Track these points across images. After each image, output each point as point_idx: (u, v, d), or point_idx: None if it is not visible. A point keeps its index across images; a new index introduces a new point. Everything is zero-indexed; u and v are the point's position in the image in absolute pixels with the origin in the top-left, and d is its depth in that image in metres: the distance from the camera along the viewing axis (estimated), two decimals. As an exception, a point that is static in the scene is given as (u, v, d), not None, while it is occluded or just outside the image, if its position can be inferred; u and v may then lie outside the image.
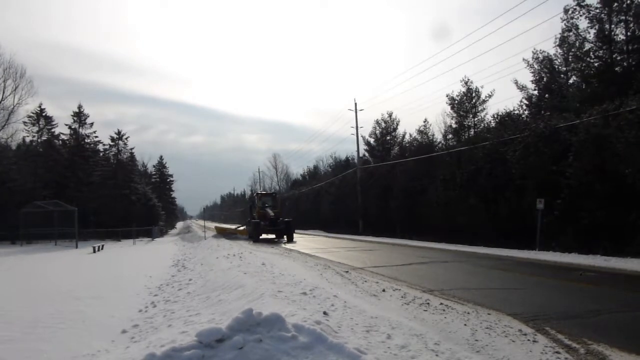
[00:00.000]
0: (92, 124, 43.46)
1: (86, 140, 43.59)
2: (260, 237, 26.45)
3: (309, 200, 51.28)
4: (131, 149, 46.83)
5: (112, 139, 44.61)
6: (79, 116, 42.76)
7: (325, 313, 5.56)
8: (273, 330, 3.96)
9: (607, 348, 4.87)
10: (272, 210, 27.78)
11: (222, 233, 32.61)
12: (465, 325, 5.91)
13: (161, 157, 65.71)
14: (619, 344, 4.98)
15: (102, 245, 25.86)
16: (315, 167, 65.13)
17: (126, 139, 45.28)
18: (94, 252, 22.89)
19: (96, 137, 44.15)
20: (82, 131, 43.19)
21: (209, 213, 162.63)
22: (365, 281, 9.76)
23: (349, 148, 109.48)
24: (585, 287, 9.14)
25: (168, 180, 65.54)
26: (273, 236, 27.58)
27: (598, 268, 11.70)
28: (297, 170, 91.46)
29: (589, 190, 15.74)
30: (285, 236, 26.68)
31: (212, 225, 55.82)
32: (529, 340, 5.23)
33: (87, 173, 40.93)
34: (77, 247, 27.35)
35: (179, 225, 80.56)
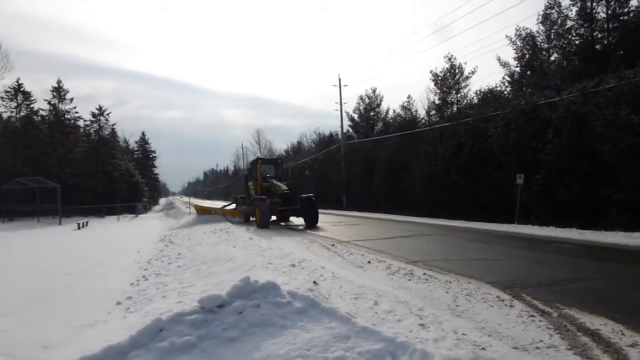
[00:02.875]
0: (72, 99, 42.73)
1: (66, 116, 42.85)
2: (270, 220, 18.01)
3: (293, 175, 51.28)
4: (113, 124, 46.33)
5: (94, 115, 44.00)
6: (59, 91, 41.95)
7: (315, 283, 5.82)
8: (269, 296, 4.21)
9: (577, 312, 5.23)
10: (281, 182, 19.53)
11: (204, 213, 22.01)
12: (447, 292, 6.25)
13: (143, 133, 65.03)
14: (589, 308, 5.34)
15: (87, 222, 25.83)
16: (299, 143, 65.13)
17: (108, 114, 44.74)
18: (79, 228, 22.89)
19: (76, 112, 43.45)
20: (62, 107, 42.45)
21: (192, 189, 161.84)
22: (351, 254, 10.06)
23: (333, 124, 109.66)
24: (560, 258, 9.56)
25: (151, 156, 64.99)
26: (275, 218, 19.61)
27: (573, 240, 12.18)
28: (281, 146, 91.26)
29: (567, 166, 16.18)
30: (303, 218, 18.47)
31: (198, 202, 55.53)
32: (506, 305, 5.58)
33: (68, 149, 40.39)
34: (60, 224, 27.23)
35: (162, 201, 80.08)
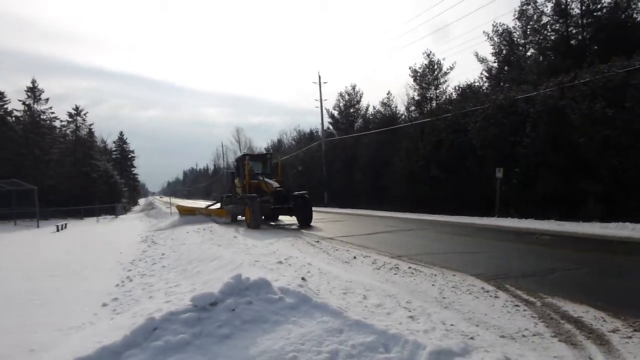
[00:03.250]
0: (47, 99, 41.89)
1: (42, 117, 42.01)
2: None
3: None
4: (90, 125, 45.59)
5: (70, 115, 43.23)
6: (33, 91, 41.11)
7: (303, 279, 5.87)
8: (261, 293, 4.24)
9: (560, 300, 5.37)
10: (270, 179, 18.41)
11: (188, 214, 20.30)
12: (433, 285, 6.35)
13: (121, 132, 64.13)
14: (571, 297, 5.49)
15: (65, 224, 25.41)
16: (279, 141, 64.97)
17: (85, 114, 44.01)
18: (58, 230, 22.50)
19: (52, 113, 42.64)
20: (38, 107, 41.60)
21: (172, 189, 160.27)
22: (336, 250, 10.13)
23: (313, 121, 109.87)
24: (541, 249, 9.77)
25: (129, 156, 64.15)
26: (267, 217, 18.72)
27: (552, 232, 12.45)
28: (261, 143, 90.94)
29: (544, 159, 16.51)
30: (295, 217, 17.44)
31: (178, 202, 54.96)
32: (491, 296, 5.70)
33: (44, 150, 39.61)
34: (38, 226, 26.74)
35: (142, 201, 79.28)
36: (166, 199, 74.19)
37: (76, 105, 44.25)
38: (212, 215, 20.05)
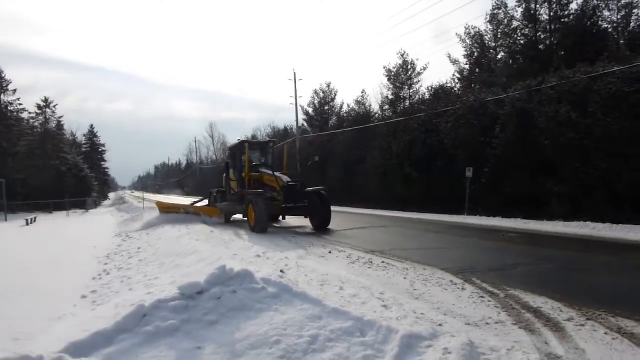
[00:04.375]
0: (15, 90, 40.89)
1: (9, 108, 40.99)
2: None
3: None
4: (59, 117, 44.71)
5: (39, 107, 42.34)
6: (0, 82, 40.09)
7: (281, 271, 6.11)
8: (244, 283, 4.48)
9: (521, 292, 5.78)
10: (276, 172, 14.71)
11: (170, 212, 16.82)
12: (404, 278, 6.70)
13: (91, 125, 62.95)
14: (531, 289, 5.90)
15: (35, 218, 24.96)
16: (253, 137, 64.83)
17: (54, 106, 43.14)
18: (27, 224, 22.12)
19: (20, 104, 41.65)
20: (4, 98, 40.56)
21: (142, 183, 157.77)
22: (312, 245, 10.42)
23: (288, 117, 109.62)
24: (506, 245, 10.27)
25: (100, 149, 63.06)
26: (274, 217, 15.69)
27: (518, 229, 13.02)
28: (235, 139, 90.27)
29: (512, 159, 17.11)
30: (309, 218, 14.56)
31: (152, 197, 54.18)
32: (458, 288, 6.08)
33: (11, 143, 38.68)
34: (6, 219, 26.20)
35: (112, 196, 77.98)
36: (138, 193, 73.10)
37: (45, 97, 43.41)
38: (201, 214, 16.41)
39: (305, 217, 14.64)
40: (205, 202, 19.64)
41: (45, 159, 39.31)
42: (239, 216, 16.10)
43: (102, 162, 64.37)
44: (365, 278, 6.61)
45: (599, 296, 5.53)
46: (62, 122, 45.77)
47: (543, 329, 4.37)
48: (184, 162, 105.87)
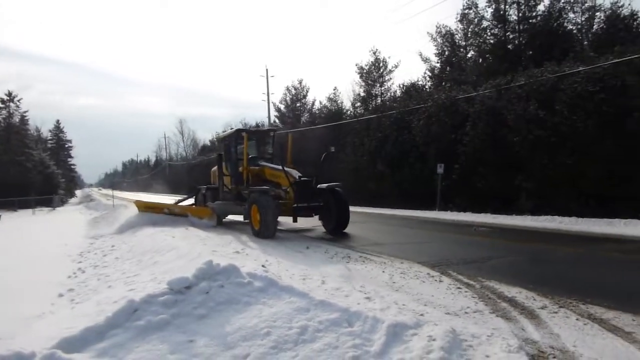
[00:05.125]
0: (-24, 84, 39.56)
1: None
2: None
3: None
4: (24, 112, 43.40)
5: (2, 101, 41.05)
6: (-39, 75, 38.71)
7: (263, 266, 6.19)
8: (231, 278, 4.55)
9: (496, 283, 6.01)
10: (274, 164, 13.07)
11: (151, 211, 14.43)
12: (383, 272, 6.87)
13: (58, 121, 61.52)
14: (506, 280, 6.15)
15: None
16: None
17: (18, 101, 41.87)
18: (-8, 222, 21.53)
19: (-19, 99, 40.34)
20: (-35, 92, 39.20)
21: (110, 181, 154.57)
22: (289, 240, 10.50)
23: (259, 114, 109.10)
24: (478, 239, 10.58)
25: (66, 146, 61.57)
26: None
27: (489, 224, 13.40)
28: (205, 135, 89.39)
29: (482, 156, 17.56)
30: (322, 220, 12.48)
31: (120, 195, 53.08)
32: (436, 280, 6.28)
33: (-27, 138, 37.52)
34: (-32, 218, 25.40)
35: (79, 193, 76.18)
36: (106, 191, 71.50)
37: (9, 91, 42.18)
38: (188, 215, 13.96)
39: (320, 219, 12.46)
40: (191, 201, 17.28)
41: (10, 154, 38.16)
42: (232, 217, 14.68)
43: (69, 159, 62.95)
44: (345, 272, 6.75)
45: (569, 286, 5.80)
46: (26, 117, 44.48)
47: (519, 317, 4.59)
48: (153, 159, 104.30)
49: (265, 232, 10.77)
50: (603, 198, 13.81)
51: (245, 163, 13.02)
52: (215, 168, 15.75)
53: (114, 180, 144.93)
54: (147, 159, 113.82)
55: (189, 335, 3.70)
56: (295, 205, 11.42)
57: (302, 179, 11.74)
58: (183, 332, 3.74)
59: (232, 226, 13.76)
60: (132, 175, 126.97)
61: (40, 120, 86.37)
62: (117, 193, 54.23)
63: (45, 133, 59.06)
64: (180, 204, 16.39)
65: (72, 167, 64.37)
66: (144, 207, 14.64)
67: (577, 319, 4.50)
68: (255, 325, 3.85)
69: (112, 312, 3.85)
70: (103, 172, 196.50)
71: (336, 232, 11.83)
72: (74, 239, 13.41)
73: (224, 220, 14.81)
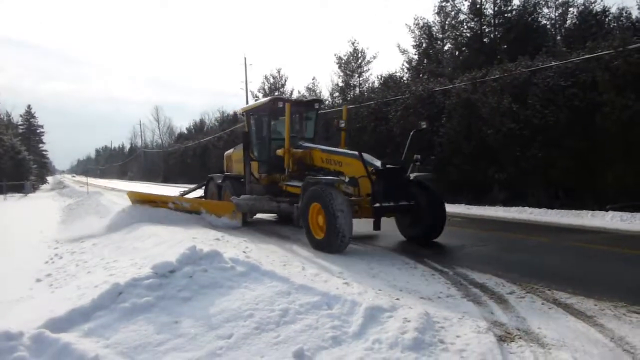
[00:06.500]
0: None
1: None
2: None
3: (196, 154, 50.49)
4: (-6, 96, 42.22)
5: (-30, 84, 39.77)
6: None
7: (244, 252, 6.33)
8: (214, 262, 4.69)
9: (468, 270, 6.27)
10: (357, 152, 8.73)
11: (148, 205, 11.03)
12: (361, 260, 7.07)
13: (29, 106, 59.88)
14: (477, 267, 6.42)
15: (-31, 202, 23.76)
16: (202, 121, 63.85)
17: (-12, 84, 40.66)
18: (-38, 209, 21.06)
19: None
20: None
21: (83, 167, 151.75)
22: (267, 229, 10.64)
23: (237, 103, 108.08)
24: (452, 229, 10.81)
25: (38, 131, 60.12)
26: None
27: (462, 214, 13.76)
28: (181, 123, 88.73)
29: (457, 148, 17.90)
30: (408, 224, 9.01)
31: (94, 182, 52.15)
32: (411, 267, 6.52)
33: (-60, 122, 36.36)
34: (-63, 204, 24.76)
35: (51, 180, 74.64)
36: (80, 177, 70.12)
37: (-22, 74, 40.77)
38: (204, 212, 10.93)
39: (412, 223, 8.85)
40: (200, 192, 14.08)
41: (-21, 140, 37.21)
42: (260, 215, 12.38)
43: (41, 145, 61.48)
44: (324, 259, 6.93)
45: (536, 273, 6.09)
46: (-4, 102, 43.29)
47: (489, 301, 4.84)
48: (128, 146, 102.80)
49: (337, 242, 7.40)
50: (572, 190, 14.29)
51: (287, 144, 10.13)
52: (231, 151, 13.24)
53: (87, 167, 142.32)
54: (121, 146, 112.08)
55: (174, 316, 3.83)
56: (378, 204, 7.89)
57: (387, 167, 8.51)
58: (168, 313, 3.87)
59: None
60: (106, 162, 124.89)
61: (11, 105, 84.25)
62: (91, 180, 53.40)
63: (16, 118, 57.62)
64: (187, 196, 13.48)
65: (44, 153, 62.84)
66: (140, 199, 11.39)
67: (542, 304, 4.77)
68: (239, 307, 4.00)
69: (97, 294, 3.95)
70: (76, 158, 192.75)
71: (427, 238, 8.67)
72: (49, 226, 13.28)
73: (250, 219, 11.86)
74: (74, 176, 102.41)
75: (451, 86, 19.23)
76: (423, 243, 8.56)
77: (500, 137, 16.08)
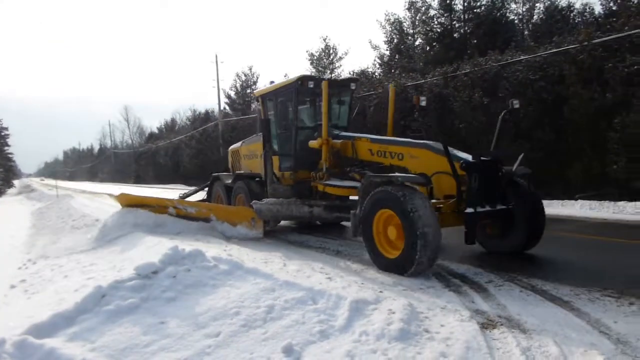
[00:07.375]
0: None
1: None
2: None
3: (168, 154, 49.86)
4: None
5: None
6: None
7: (225, 250, 6.31)
8: (197, 262, 4.67)
9: (448, 262, 6.44)
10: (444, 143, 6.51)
11: (143, 209, 9.07)
12: (339, 258, 7.15)
13: (-9, 108, 57.97)
14: (456, 259, 6.60)
15: None
16: (173, 120, 62.98)
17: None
18: None
19: None
20: None
21: (50, 170, 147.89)
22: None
23: (209, 101, 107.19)
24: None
25: (2, 134, 58.20)
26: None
27: (438, 207, 13.96)
28: (152, 123, 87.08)
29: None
30: (497, 232, 6.76)
31: (66, 184, 50.93)
32: (392, 261, 6.59)
33: None
34: None
35: (17, 183, 72.54)
36: (49, 180, 68.31)
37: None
38: (213, 219, 9.15)
39: (504, 232, 6.76)
40: (203, 194, 12.19)
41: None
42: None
43: (6, 148, 59.54)
44: (305, 256, 6.98)
45: (512, 263, 6.26)
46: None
47: (469, 291, 4.96)
48: (97, 147, 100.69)
49: (424, 263, 5.53)
50: (542, 181, 14.65)
51: (324, 133, 8.25)
52: (238, 145, 11.52)
53: (55, 170, 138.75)
54: (90, 147, 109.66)
55: (160, 317, 3.81)
56: (473, 210, 5.88)
57: (482, 159, 6.40)
58: (154, 314, 3.84)
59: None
60: (75, 164, 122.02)
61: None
62: (61, 183, 52.10)
63: (-21, 120, 55.63)
64: (187, 199, 11.61)
65: (9, 155, 60.93)
66: (133, 202, 9.54)
67: (520, 291, 4.91)
68: (224, 305, 4.00)
69: (80, 298, 3.89)
70: (43, 161, 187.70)
71: (523, 250, 6.73)
72: (19, 231, 12.96)
73: (272, 228, 9.89)
74: (42, 179, 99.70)
75: (423, 81, 19.46)
76: (508, 253, 6.81)
77: (472, 130, 16.36)
